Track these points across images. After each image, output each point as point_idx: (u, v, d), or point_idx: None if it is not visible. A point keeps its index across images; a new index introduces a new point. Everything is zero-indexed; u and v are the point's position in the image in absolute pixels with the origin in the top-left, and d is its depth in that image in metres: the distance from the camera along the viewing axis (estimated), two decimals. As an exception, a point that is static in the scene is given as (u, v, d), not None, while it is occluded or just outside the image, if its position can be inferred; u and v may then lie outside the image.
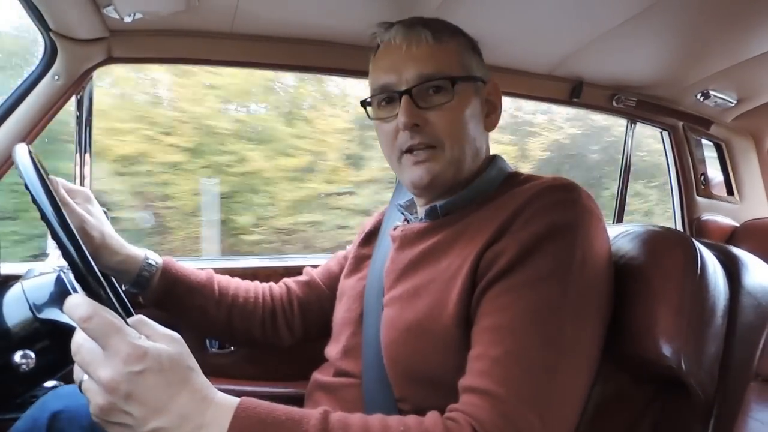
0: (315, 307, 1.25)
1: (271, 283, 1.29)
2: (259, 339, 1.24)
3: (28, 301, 0.82)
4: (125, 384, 0.58)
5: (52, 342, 0.81)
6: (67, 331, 0.81)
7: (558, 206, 0.81)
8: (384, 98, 0.97)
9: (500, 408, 0.68)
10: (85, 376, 0.61)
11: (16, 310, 0.82)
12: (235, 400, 0.65)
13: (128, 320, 0.63)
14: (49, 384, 1.09)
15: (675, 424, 0.89)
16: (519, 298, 0.76)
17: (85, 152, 1.61)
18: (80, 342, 0.61)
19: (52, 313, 0.83)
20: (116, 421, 0.59)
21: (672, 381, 0.84)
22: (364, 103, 1.01)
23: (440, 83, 0.92)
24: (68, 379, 1.06)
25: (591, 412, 0.87)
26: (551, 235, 0.78)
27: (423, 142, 0.92)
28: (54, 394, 1.00)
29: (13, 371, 0.77)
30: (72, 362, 0.66)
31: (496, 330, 0.75)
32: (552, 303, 0.75)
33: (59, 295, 0.85)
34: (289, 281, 1.30)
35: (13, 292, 0.85)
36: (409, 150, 0.93)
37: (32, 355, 0.78)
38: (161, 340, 0.63)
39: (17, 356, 0.77)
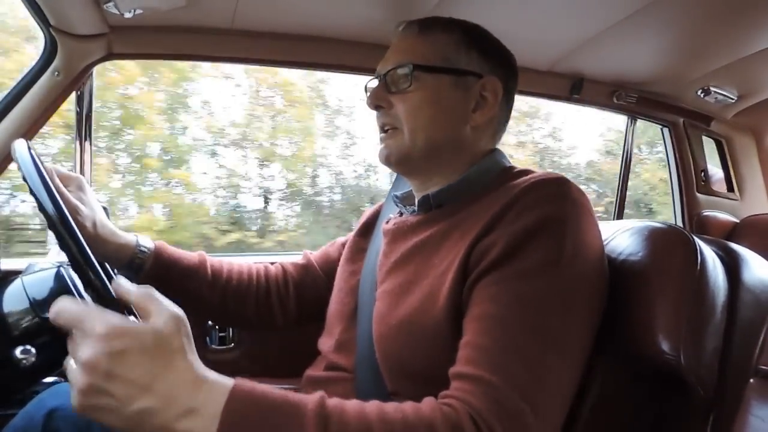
0: (310, 289, 1.25)
1: (267, 264, 1.29)
2: (253, 318, 1.23)
3: (28, 297, 0.82)
4: (105, 362, 0.57)
5: (53, 337, 0.81)
6: None
7: (548, 200, 0.81)
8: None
9: (493, 394, 0.68)
10: (71, 362, 0.60)
11: (16, 305, 0.81)
12: (229, 382, 0.63)
13: (137, 288, 0.64)
14: (49, 380, 1.10)
15: (675, 420, 0.89)
16: (508, 289, 0.76)
17: (84, 150, 1.61)
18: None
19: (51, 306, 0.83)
20: (99, 403, 0.58)
21: (672, 377, 0.84)
22: (367, 89, 1.08)
23: (405, 70, 0.97)
24: (69, 374, 1.07)
25: (590, 409, 0.87)
26: (541, 228, 0.78)
27: (386, 123, 1.00)
28: (51, 392, 1.01)
29: (14, 366, 0.77)
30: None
31: (485, 319, 0.76)
32: (540, 294, 0.75)
33: (59, 290, 0.85)
34: (286, 263, 1.30)
35: (14, 287, 0.85)
36: (380, 129, 1.02)
37: (32, 350, 0.78)
38: (159, 316, 0.62)
39: (18, 351, 0.77)
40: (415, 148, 0.98)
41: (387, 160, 1.01)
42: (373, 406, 0.68)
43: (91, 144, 1.62)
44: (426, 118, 0.97)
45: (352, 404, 0.67)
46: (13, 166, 1.42)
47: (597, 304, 0.83)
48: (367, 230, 1.20)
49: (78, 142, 1.60)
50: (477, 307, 0.78)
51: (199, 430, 0.60)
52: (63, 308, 0.61)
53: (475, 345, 0.74)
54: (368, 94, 1.02)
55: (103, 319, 0.59)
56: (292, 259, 1.33)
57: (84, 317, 0.60)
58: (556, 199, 0.81)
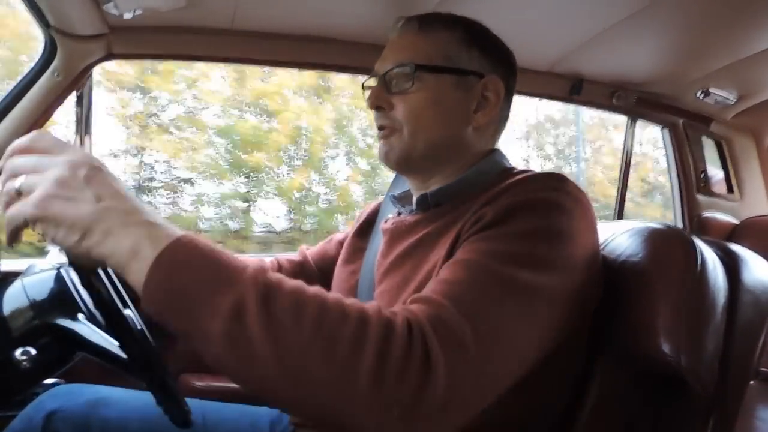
0: None
1: (263, 259, 1.28)
2: None
3: (28, 298, 0.82)
4: (87, 167, 0.60)
5: (53, 339, 0.81)
6: (67, 328, 0.81)
7: (544, 189, 0.81)
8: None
9: (437, 310, 0.66)
10: (21, 178, 0.61)
11: (16, 306, 0.81)
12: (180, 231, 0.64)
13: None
14: (49, 381, 1.10)
15: (675, 421, 0.89)
16: (485, 243, 0.76)
17: (84, 150, 1.61)
18: (24, 158, 0.62)
19: (52, 310, 0.83)
20: (66, 195, 0.59)
21: (672, 378, 0.84)
22: (364, 87, 1.06)
23: (406, 70, 0.96)
24: (69, 377, 1.07)
25: (590, 410, 0.87)
26: (533, 206, 0.78)
27: (385, 124, 0.98)
28: (51, 394, 1.00)
29: (14, 368, 0.77)
30: (73, 358, 0.65)
31: (456, 263, 0.75)
32: (516, 252, 0.74)
33: (59, 292, 0.85)
34: (282, 259, 1.28)
35: (14, 289, 0.84)
36: (379, 129, 1.00)
37: (32, 351, 0.78)
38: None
39: (18, 353, 0.77)
40: (415, 149, 0.97)
41: (386, 159, 1.00)
42: (314, 288, 0.66)
43: (91, 144, 1.62)
44: (427, 120, 0.96)
45: (294, 281, 0.65)
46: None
47: (580, 288, 0.79)
48: (365, 230, 1.18)
49: (78, 143, 1.60)
50: (452, 258, 0.77)
51: (144, 251, 0.59)
52: (43, 132, 0.64)
53: (437, 281, 0.73)
54: (368, 93, 1.00)
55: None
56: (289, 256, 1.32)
57: (68, 144, 0.63)
58: (552, 190, 0.81)
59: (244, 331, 0.58)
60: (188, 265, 0.59)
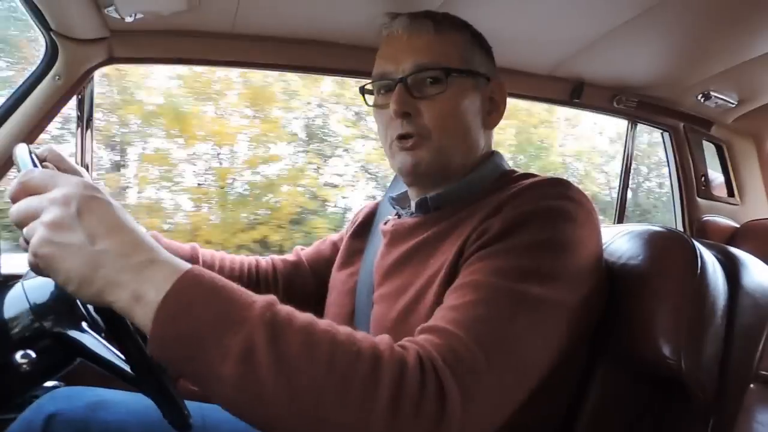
0: (298, 286, 1.24)
1: (258, 257, 1.28)
2: None
3: (28, 301, 0.82)
4: (78, 200, 0.58)
5: (53, 342, 0.81)
6: (68, 335, 0.81)
7: (548, 196, 0.80)
8: (383, 86, 0.99)
9: (448, 340, 0.66)
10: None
11: (16, 309, 0.82)
12: (186, 265, 0.62)
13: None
14: (49, 384, 1.09)
15: (675, 424, 0.89)
16: (492, 261, 0.75)
17: (85, 154, 1.61)
18: (18, 203, 0.61)
19: (52, 314, 0.83)
20: (63, 240, 0.57)
21: (671, 381, 0.84)
22: (362, 90, 1.03)
23: (435, 74, 0.92)
24: (69, 379, 1.07)
25: (590, 412, 0.87)
26: (537, 216, 0.78)
27: (412, 132, 0.93)
28: (50, 397, 1.00)
29: (14, 371, 0.77)
30: (73, 361, 0.65)
31: (463, 286, 0.74)
32: (523, 267, 0.74)
33: (60, 295, 0.85)
34: (277, 259, 1.28)
35: (14, 292, 0.85)
36: (400, 137, 0.94)
37: (33, 354, 0.78)
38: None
39: (18, 356, 0.77)
40: (444, 158, 0.94)
41: (413, 170, 0.94)
42: (325, 322, 0.64)
43: (92, 148, 1.62)
44: (457, 125, 0.94)
45: (304, 315, 0.64)
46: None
47: (588, 296, 0.80)
48: (361, 231, 1.17)
49: (79, 146, 1.60)
50: (460, 279, 0.77)
51: (148, 295, 0.58)
52: (35, 170, 0.65)
53: (447, 307, 0.73)
54: (392, 103, 0.93)
55: (79, 177, 0.62)
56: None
57: (59, 174, 0.62)
58: (556, 197, 0.81)
59: (255, 372, 0.57)
60: (193, 308, 0.58)
